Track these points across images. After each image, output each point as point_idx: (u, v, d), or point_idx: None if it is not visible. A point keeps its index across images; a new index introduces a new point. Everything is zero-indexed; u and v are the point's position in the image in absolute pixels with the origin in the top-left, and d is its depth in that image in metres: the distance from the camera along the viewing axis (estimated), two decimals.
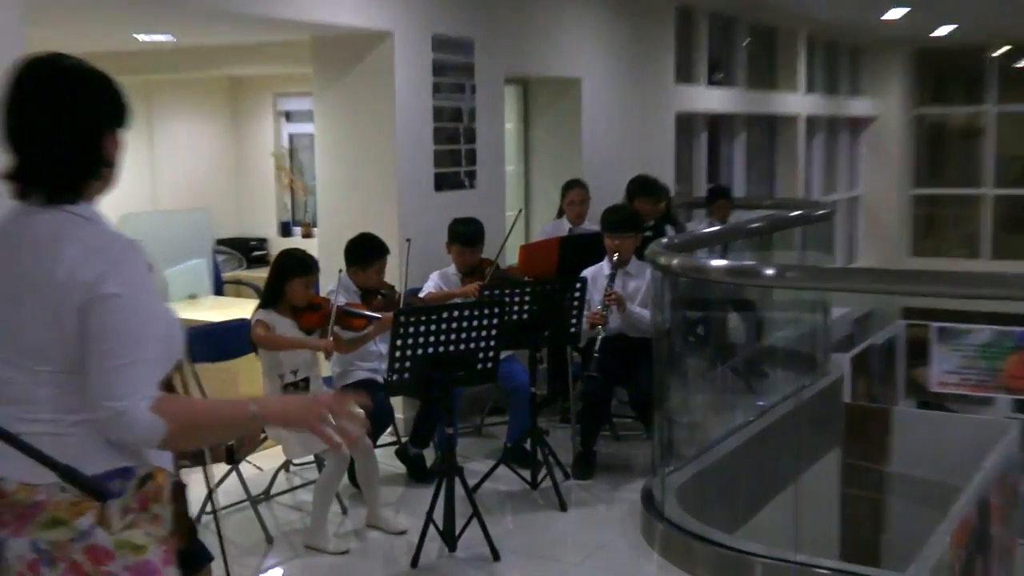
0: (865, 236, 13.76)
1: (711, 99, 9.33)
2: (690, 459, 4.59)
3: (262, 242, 8.44)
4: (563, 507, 4.50)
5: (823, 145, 12.45)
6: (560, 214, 6.23)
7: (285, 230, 8.53)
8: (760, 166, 11.16)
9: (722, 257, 6.41)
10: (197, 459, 2.62)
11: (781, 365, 6.43)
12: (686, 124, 9.32)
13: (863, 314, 12.87)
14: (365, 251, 4.65)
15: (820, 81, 12.12)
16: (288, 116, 8.47)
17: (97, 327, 1.72)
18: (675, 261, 3.92)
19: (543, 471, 4.69)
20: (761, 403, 5.62)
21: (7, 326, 1.79)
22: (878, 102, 13.48)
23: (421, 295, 5.03)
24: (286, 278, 4.10)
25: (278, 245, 8.04)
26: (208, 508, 4.37)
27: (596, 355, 4.72)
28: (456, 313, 3.93)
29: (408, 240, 4.88)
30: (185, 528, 2.38)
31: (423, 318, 3.85)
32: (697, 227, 7.41)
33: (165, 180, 8.04)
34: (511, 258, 6.02)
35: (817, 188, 12.25)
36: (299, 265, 4.14)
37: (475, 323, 3.97)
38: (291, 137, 8.51)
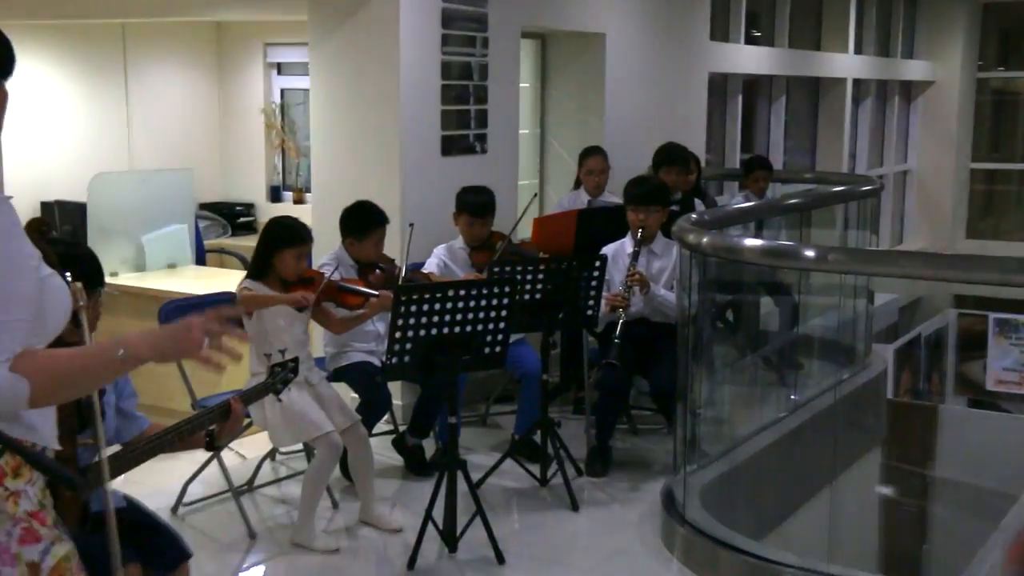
0: (915, 215, 13.74)
1: (748, 58, 9.31)
2: (715, 457, 4.63)
3: (249, 208, 8.48)
4: (575, 507, 4.55)
5: (872, 112, 12.40)
6: (578, 184, 6.24)
7: (275, 195, 8.56)
8: (800, 135, 11.14)
9: (756, 236, 6.44)
10: (174, 446, 2.67)
11: (818, 356, 6.45)
12: (720, 86, 9.30)
13: (910, 301, 12.90)
14: (362, 220, 4.67)
15: (871, 40, 12.07)
16: (279, 68, 8.48)
17: None
18: (705, 239, 3.94)
19: (553, 466, 4.73)
20: (795, 397, 5.65)
21: None
22: (936, 65, 13.41)
23: (425, 269, 5.06)
24: (276, 248, 4.13)
25: (267, 212, 8.08)
26: (186, 499, 4.44)
27: (616, 340, 4.74)
28: (462, 291, 3.96)
29: (411, 225, 4.87)
30: (76, 514, 2.40)
31: (426, 296, 3.89)
32: (731, 201, 7.42)
33: (142, 137, 8.07)
34: (524, 232, 6.05)
35: (863, 160, 12.22)
36: (290, 235, 4.17)
37: (483, 303, 4.00)
38: (282, 92, 8.53)
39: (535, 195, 5.77)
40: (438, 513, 4.02)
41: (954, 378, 11.18)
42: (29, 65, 7.37)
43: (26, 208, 7.11)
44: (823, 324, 6.61)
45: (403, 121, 5.43)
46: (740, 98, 9.54)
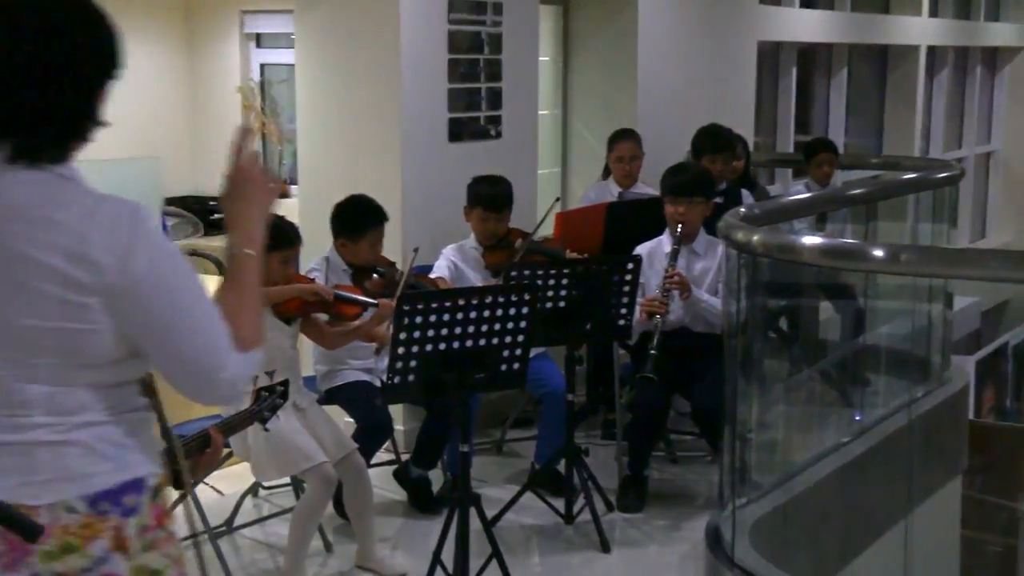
0: (1001, 204, 13.73)
1: (804, 24, 9.35)
2: (768, 489, 4.65)
3: None
4: (605, 547, 4.59)
5: (949, 85, 12.41)
6: (607, 174, 6.29)
7: None
8: (865, 113, 11.15)
9: (818, 231, 6.47)
10: None
11: (886, 370, 6.47)
12: (771, 57, 9.33)
13: (995, 305, 12.89)
14: (356, 217, 4.72)
15: (948, 0, 12.08)
16: (259, 40, 8.53)
17: (157, 306, 1.86)
18: (755, 237, 3.96)
19: (580, 500, 4.77)
20: (859, 418, 5.68)
21: None
22: None
23: (432, 275, 5.10)
24: None
25: None
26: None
27: (652, 352, 4.79)
28: (475, 300, 4.00)
29: (415, 250, 4.79)
30: None
31: (432, 305, 3.93)
32: (790, 191, 7.45)
33: None
34: (545, 229, 6.09)
35: (939, 142, 12.23)
36: (274, 236, 4.21)
37: (498, 312, 4.04)
38: (262, 67, 8.58)
39: (557, 199, 5.77)
40: (447, 556, 4.06)
41: None
42: None
43: None
44: (892, 333, 6.63)
45: (404, 101, 5.48)
46: (794, 71, 9.58)
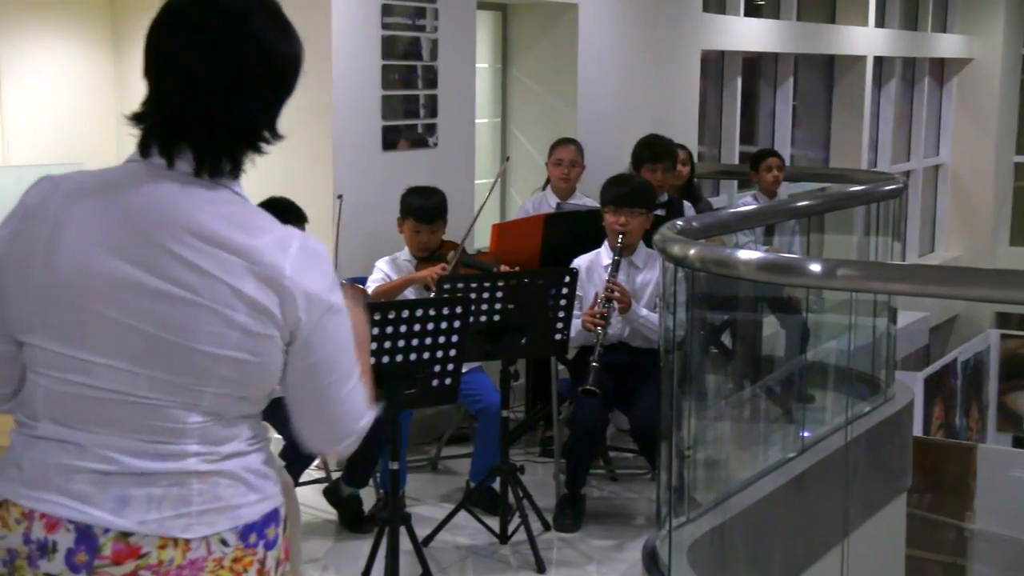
0: (950, 217, 13.94)
1: (749, 33, 9.46)
2: (707, 507, 4.70)
3: None
4: (540, 567, 4.61)
5: (897, 96, 12.60)
6: (547, 185, 6.32)
7: None
8: (812, 124, 11.30)
9: (767, 242, 6.56)
10: None
11: (830, 386, 6.55)
12: (715, 66, 9.43)
13: (944, 321, 13.09)
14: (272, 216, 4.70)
15: (896, 10, 12.27)
16: None
17: (328, 352, 1.88)
18: (692, 251, 4.00)
19: (516, 520, 4.79)
20: (806, 435, 5.75)
21: (159, 332, 1.81)
22: (973, 39, 13.64)
23: (367, 287, 5.12)
24: None
25: None
26: None
27: (594, 365, 4.82)
28: (405, 313, 4.02)
29: (340, 197, 4.91)
30: None
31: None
32: (737, 202, 7.54)
33: (18, 125, 8.06)
34: (481, 241, 6.12)
35: (887, 153, 12.41)
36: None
37: (430, 326, 4.06)
38: None
39: (508, 158, 5.78)
40: None
41: (996, 412, 11.34)
42: None
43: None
44: (836, 348, 6.71)
45: (335, 108, 5.49)
46: (739, 80, 9.68)
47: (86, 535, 1.81)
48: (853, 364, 6.58)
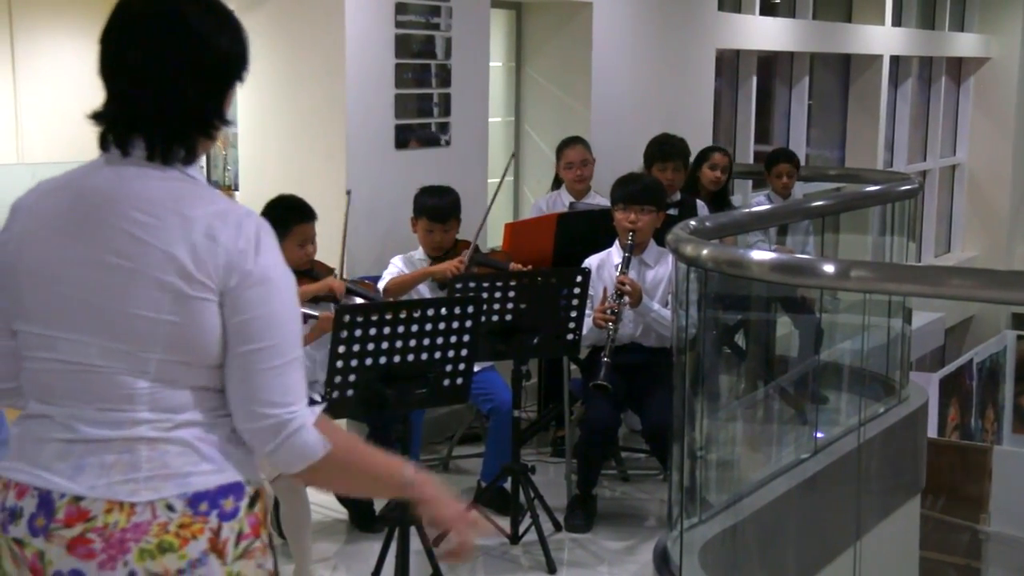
0: (966, 218, 13.89)
1: (764, 32, 9.44)
2: (719, 509, 4.69)
3: None
4: (551, 568, 4.60)
5: (914, 96, 12.56)
6: (557, 184, 6.31)
7: None
8: (827, 123, 11.27)
9: (780, 242, 6.54)
10: None
11: (844, 387, 6.53)
12: (730, 65, 9.41)
13: (960, 322, 13.03)
14: (280, 214, 4.70)
15: (913, 9, 12.23)
16: None
17: (253, 318, 1.93)
18: (705, 251, 4.00)
19: (527, 520, 4.78)
20: (820, 436, 5.73)
21: (102, 301, 1.92)
22: (991, 38, 13.58)
23: (380, 284, 5.12)
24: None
25: None
26: None
27: (606, 360, 4.81)
28: (417, 313, 4.01)
29: (348, 192, 4.92)
30: None
31: (373, 317, 3.94)
32: (751, 202, 7.51)
33: (34, 124, 8.08)
34: (495, 240, 6.11)
35: (903, 153, 12.36)
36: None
37: (441, 325, 4.05)
38: None
39: (513, 155, 5.78)
40: None
41: (1012, 413, 11.30)
42: None
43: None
44: (851, 349, 6.69)
45: (349, 107, 5.49)
46: (754, 79, 9.66)
47: (46, 500, 1.92)
48: (867, 365, 6.56)
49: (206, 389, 1.96)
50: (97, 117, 2.00)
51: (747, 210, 6.39)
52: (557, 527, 4.97)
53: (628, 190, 5.15)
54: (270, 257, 1.96)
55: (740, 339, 6.24)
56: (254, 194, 5.70)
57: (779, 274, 4.00)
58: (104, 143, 1.99)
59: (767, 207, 6.62)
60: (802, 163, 10.29)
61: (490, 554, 4.77)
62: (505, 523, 4.83)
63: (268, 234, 1.97)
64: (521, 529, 4.83)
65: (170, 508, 1.90)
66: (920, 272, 4.61)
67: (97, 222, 1.93)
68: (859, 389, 6.47)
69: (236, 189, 7.47)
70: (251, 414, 1.94)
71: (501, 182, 5.60)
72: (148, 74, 1.95)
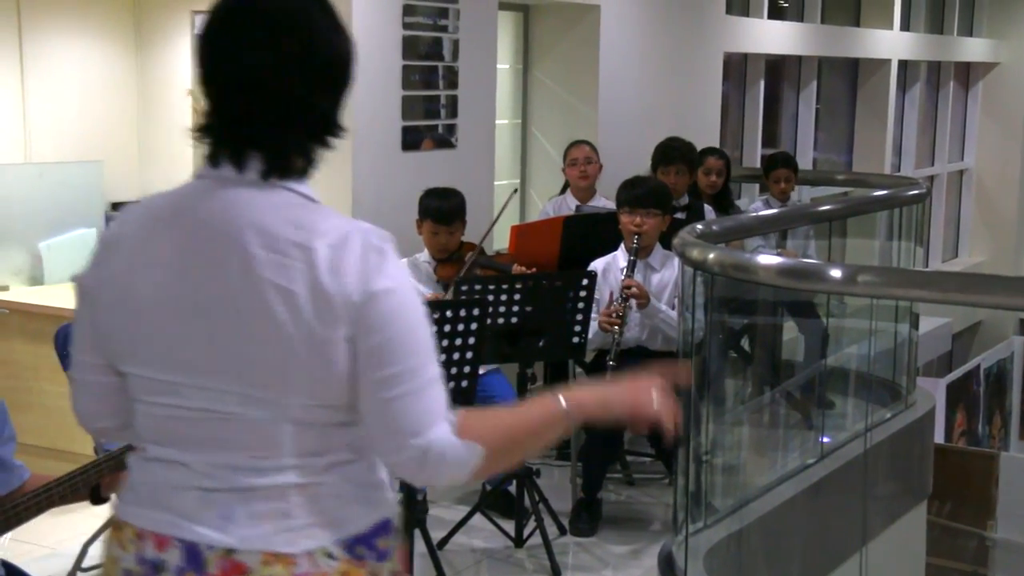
0: (974, 223, 13.86)
1: (772, 36, 9.43)
2: (725, 513, 4.68)
3: None
4: (555, 572, 4.59)
5: (922, 100, 12.54)
6: (565, 188, 6.30)
7: None
8: (835, 128, 11.26)
9: (780, 247, 6.52)
10: (64, 499, 2.70)
11: (850, 392, 6.52)
12: (738, 69, 9.39)
13: (967, 327, 13.01)
14: None
15: (921, 14, 12.21)
16: None
17: (384, 340, 1.77)
18: (712, 255, 3.99)
19: (531, 523, 4.78)
20: (826, 440, 5.71)
21: (233, 347, 1.78)
22: (1000, 43, 13.57)
23: None
24: None
25: None
26: (86, 563, 4.47)
27: (611, 364, 4.80)
28: None
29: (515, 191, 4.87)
30: None
31: None
32: (750, 207, 7.49)
33: (41, 123, 8.07)
34: (501, 241, 6.10)
35: (911, 158, 12.34)
36: None
37: (446, 328, 4.05)
38: None
39: (515, 191, 5.82)
40: None
41: (1020, 419, 11.28)
42: None
43: None
44: (857, 353, 6.68)
45: (355, 108, 5.44)
46: (762, 83, 9.65)
47: (192, 553, 1.79)
48: (874, 370, 6.55)
49: (346, 426, 1.83)
50: (204, 131, 1.85)
51: (753, 214, 6.36)
52: (562, 531, 4.97)
53: (633, 193, 5.15)
54: (395, 275, 1.80)
55: (746, 343, 6.23)
56: None
57: (786, 279, 3.99)
58: (215, 159, 1.83)
59: (773, 211, 6.60)
60: (810, 167, 10.33)
61: (494, 557, 4.77)
62: (510, 527, 4.82)
63: (391, 249, 1.82)
64: (526, 533, 4.82)
65: (329, 556, 1.80)
66: (926, 277, 4.59)
67: (219, 261, 1.78)
68: (866, 394, 6.45)
69: None
70: (394, 447, 1.80)
71: (500, 212, 5.56)
72: (271, 81, 1.79)
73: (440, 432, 1.78)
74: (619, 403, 1.95)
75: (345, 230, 1.80)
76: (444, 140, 5.94)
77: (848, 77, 11.32)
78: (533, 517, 4.75)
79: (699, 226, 4.38)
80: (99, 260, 1.89)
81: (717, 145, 8.05)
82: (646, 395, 1.95)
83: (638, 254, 5.09)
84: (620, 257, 5.18)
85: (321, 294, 1.75)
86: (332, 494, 1.83)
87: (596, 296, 4.94)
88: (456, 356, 4.10)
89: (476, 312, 4.11)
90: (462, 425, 1.81)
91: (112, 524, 1.90)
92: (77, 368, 1.93)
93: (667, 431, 1.96)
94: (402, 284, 1.81)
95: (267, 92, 1.79)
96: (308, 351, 1.76)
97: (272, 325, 1.75)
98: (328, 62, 1.84)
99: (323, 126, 1.85)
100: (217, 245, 1.78)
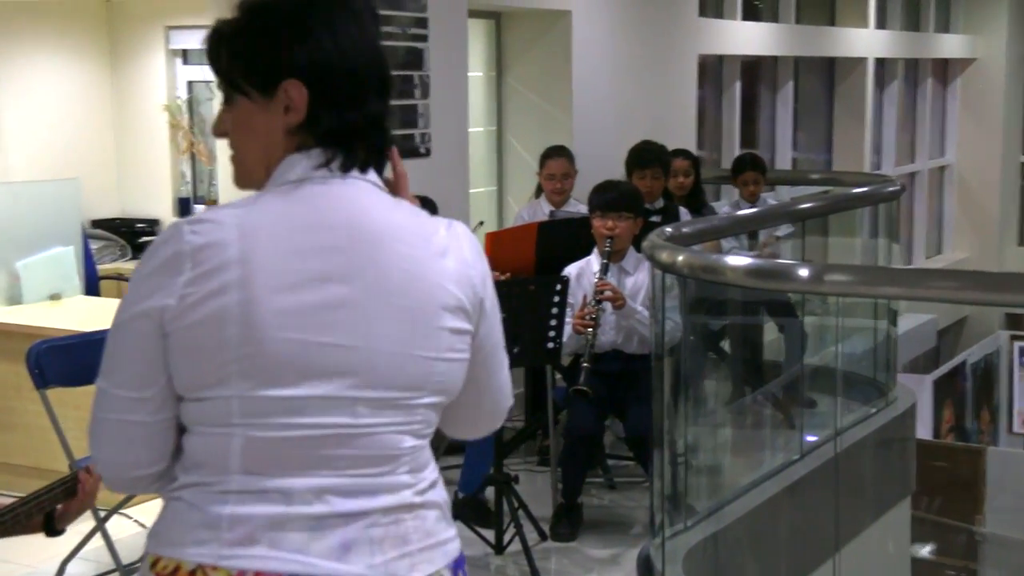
0: (956, 219, 13.89)
1: (747, 37, 9.44)
2: (704, 515, 4.68)
3: (152, 224, 8.50)
4: None
5: (900, 98, 12.56)
6: (539, 192, 6.31)
7: (184, 209, 8.57)
8: (814, 127, 11.27)
9: (751, 248, 6.53)
10: (13, 529, 2.62)
11: (829, 390, 6.53)
12: (714, 71, 9.41)
13: (953, 323, 13.02)
14: None
15: (897, 11, 12.24)
16: (185, 56, 8.52)
17: (492, 321, 1.84)
18: (680, 257, 4.00)
19: (511, 529, 4.77)
20: (806, 440, 5.72)
21: (379, 346, 1.69)
22: (977, 39, 13.60)
23: None
24: None
25: None
26: None
27: (585, 365, 4.80)
28: None
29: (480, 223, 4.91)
30: None
31: None
32: (722, 209, 7.51)
33: (16, 141, 8.07)
34: None
35: (891, 155, 12.37)
36: None
37: None
38: (190, 84, 8.56)
39: (480, 222, 5.84)
40: None
41: (1007, 414, 11.30)
42: None
43: None
44: (837, 352, 6.69)
45: None
46: (738, 85, 9.66)
47: None
48: (854, 368, 6.56)
49: (429, 437, 1.77)
50: (333, 135, 1.73)
51: (722, 215, 6.37)
52: (543, 536, 4.95)
53: (605, 197, 5.16)
54: (483, 255, 1.84)
55: (725, 344, 6.23)
56: None
57: (754, 279, 4.00)
58: (349, 165, 1.73)
59: (742, 212, 6.60)
60: (789, 167, 10.34)
61: (475, 564, 4.75)
62: (490, 534, 4.82)
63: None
64: (506, 539, 4.81)
65: None
66: (894, 275, 4.60)
67: (371, 259, 1.69)
68: (845, 392, 6.46)
69: (194, 202, 7.51)
70: (497, 412, 1.92)
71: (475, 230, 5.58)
72: (365, 73, 1.74)
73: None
74: None
75: (444, 221, 1.80)
76: (413, 149, 5.93)
77: (825, 76, 11.35)
78: (512, 523, 4.74)
79: (668, 229, 4.39)
80: (187, 283, 1.64)
81: (694, 148, 8.07)
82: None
83: (611, 258, 5.09)
84: (594, 261, 5.18)
85: (457, 285, 1.74)
86: (436, 515, 1.75)
87: (570, 301, 4.94)
88: None
89: None
90: None
91: (185, 571, 1.67)
92: (118, 407, 1.70)
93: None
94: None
95: (367, 90, 1.74)
96: (448, 345, 1.73)
97: (420, 320, 1.70)
98: (386, 68, 1.81)
99: (384, 127, 1.81)
100: (365, 243, 1.69)
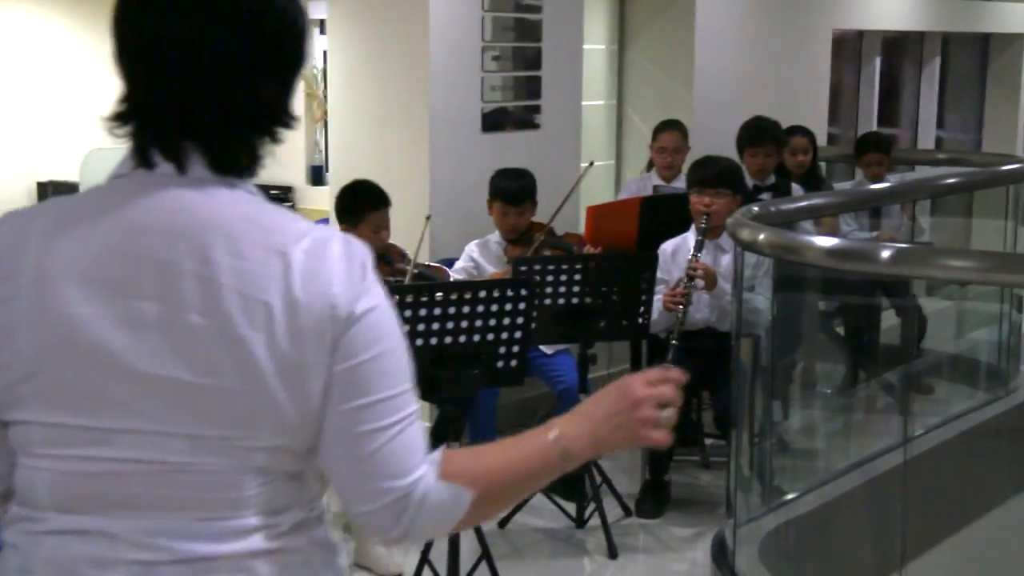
0: None
1: (889, 10, 9.13)
2: (785, 500, 4.59)
3: (286, 192, 8.65)
4: (612, 553, 4.57)
5: None
6: (651, 166, 6.23)
7: (316, 177, 8.71)
8: (963, 106, 10.87)
9: (874, 224, 6.35)
10: None
11: (946, 377, 6.33)
12: (852, 47, 9.14)
13: None
14: (354, 200, 4.75)
15: None
16: (322, 26, 8.62)
17: (363, 362, 1.49)
18: (762, 236, 3.91)
19: (592, 504, 4.75)
20: (919, 427, 5.55)
21: (185, 376, 1.45)
22: None
23: (452, 272, 5.11)
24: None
25: (308, 197, 8.22)
26: None
27: (673, 343, 4.73)
28: (470, 295, 4.00)
29: (428, 217, 4.93)
30: None
31: (424, 299, 3.94)
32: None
33: None
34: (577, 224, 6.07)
35: None
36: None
37: (494, 307, 4.02)
38: (325, 54, 8.67)
39: (591, 162, 5.75)
40: (438, 556, 4.06)
41: None
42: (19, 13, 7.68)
43: (21, 191, 7.41)
44: (959, 337, 6.49)
45: (433, 89, 5.49)
46: (878, 61, 9.37)
47: None
48: (975, 355, 6.35)
49: (301, 477, 1.55)
50: (121, 118, 1.51)
51: (811, 197, 6.17)
52: (627, 512, 4.93)
53: (702, 173, 5.06)
54: (376, 289, 1.51)
55: (839, 327, 6.09)
56: (345, 175, 5.76)
57: (835, 260, 3.87)
58: (146, 157, 1.49)
59: (833, 194, 6.37)
60: (932, 147, 9.99)
61: (556, 537, 4.75)
62: (572, 508, 4.81)
63: (369, 260, 1.53)
64: (587, 514, 4.80)
65: None
66: (975, 257, 4.39)
67: (167, 270, 1.45)
68: (965, 379, 6.26)
69: (327, 170, 7.60)
70: (370, 492, 1.50)
71: (574, 187, 5.51)
72: (214, 59, 1.47)
73: (424, 471, 1.52)
74: (614, 438, 1.66)
75: (322, 235, 1.50)
76: (522, 122, 5.90)
77: (977, 53, 10.92)
78: (593, 499, 4.72)
79: (755, 207, 4.30)
80: (2, 287, 1.48)
81: (825, 125, 7.86)
82: (643, 417, 1.64)
83: (707, 235, 4.99)
84: (691, 238, 5.10)
85: (298, 309, 1.45)
86: (300, 561, 1.55)
87: (665, 277, 4.88)
88: (504, 336, 4.08)
89: (524, 292, 4.09)
90: (447, 466, 1.54)
91: None
92: None
93: (661, 443, 1.66)
94: (386, 301, 1.53)
95: (214, 74, 1.48)
96: (282, 376, 1.45)
97: (239, 346, 1.44)
98: (287, 41, 1.53)
99: (278, 115, 1.54)
100: (163, 249, 1.45)
